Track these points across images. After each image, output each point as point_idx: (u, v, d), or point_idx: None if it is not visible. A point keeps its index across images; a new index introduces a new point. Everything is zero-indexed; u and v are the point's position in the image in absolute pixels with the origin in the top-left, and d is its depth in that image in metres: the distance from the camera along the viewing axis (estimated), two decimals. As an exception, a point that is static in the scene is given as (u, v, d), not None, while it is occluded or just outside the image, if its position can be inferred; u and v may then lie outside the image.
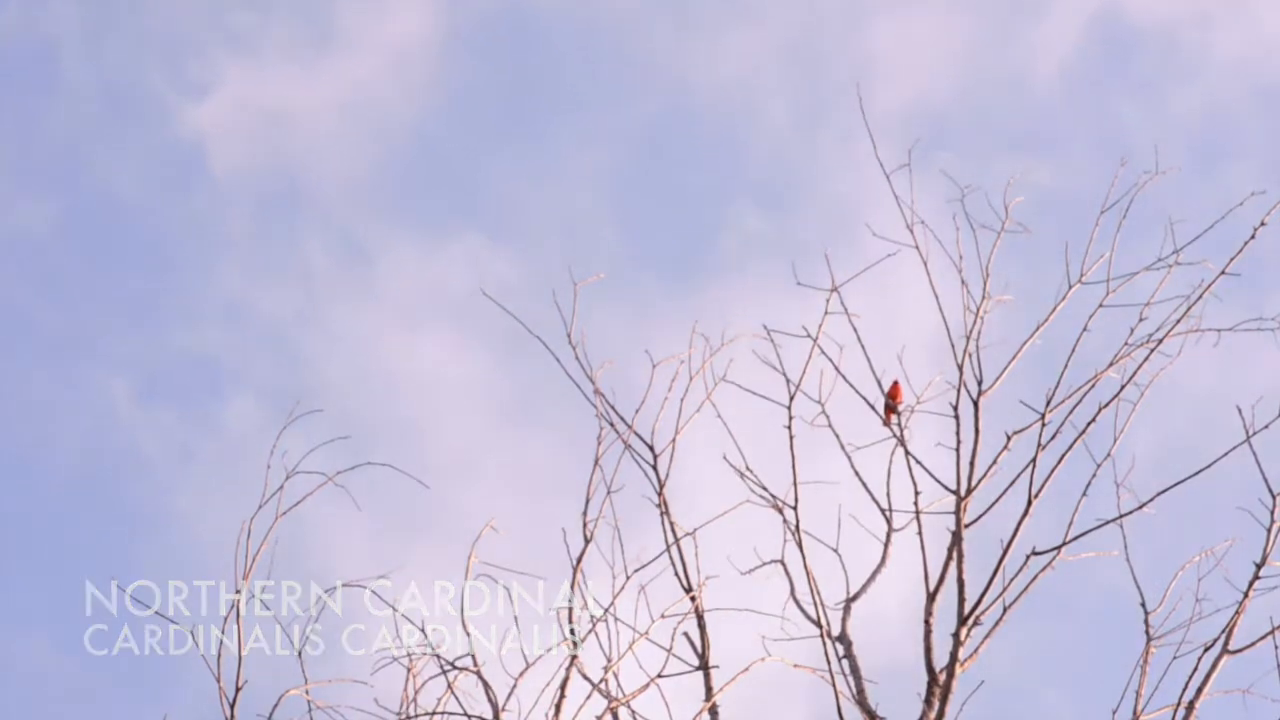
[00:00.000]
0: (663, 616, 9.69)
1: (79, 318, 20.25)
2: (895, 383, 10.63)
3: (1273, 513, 10.00)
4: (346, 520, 9.48)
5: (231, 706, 9.02)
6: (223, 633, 9.03)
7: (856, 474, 10.47)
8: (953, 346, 10.45)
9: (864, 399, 10.60)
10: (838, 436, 10.48)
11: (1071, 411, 10.34)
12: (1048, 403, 10.35)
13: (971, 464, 10.30)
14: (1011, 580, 10.03)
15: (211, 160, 20.52)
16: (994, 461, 10.36)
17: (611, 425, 10.03)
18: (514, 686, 9.37)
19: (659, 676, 9.58)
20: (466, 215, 20.33)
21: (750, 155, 20.41)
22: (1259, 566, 9.97)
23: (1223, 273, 10.53)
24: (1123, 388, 10.36)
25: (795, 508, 10.21)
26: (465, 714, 9.41)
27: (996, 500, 10.22)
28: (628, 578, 9.66)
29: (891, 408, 10.64)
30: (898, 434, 10.57)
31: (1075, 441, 10.28)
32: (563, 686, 9.35)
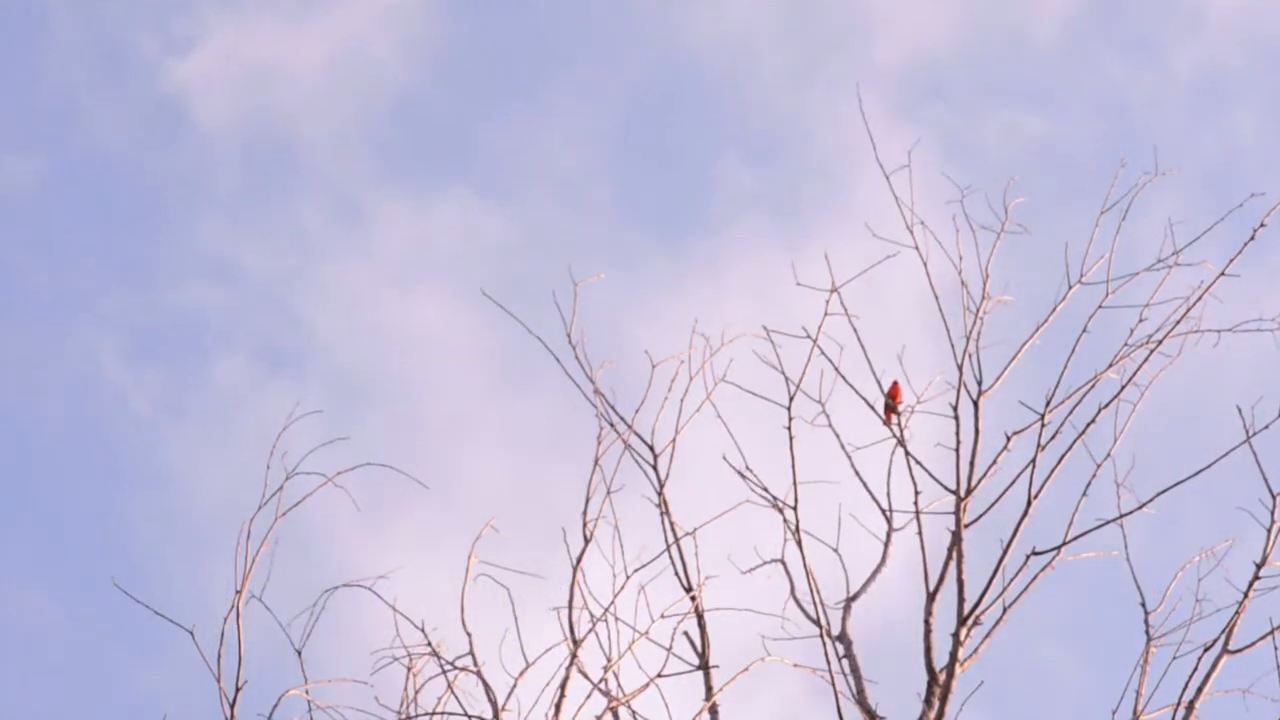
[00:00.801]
0: (663, 616, 9.69)
1: (66, 275, 20.05)
2: (895, 383, 10.63)
3: (1273, 513, 10.00)
4: (347, 520, 9.48)
5: (231, 706, 9.02)
6: (223, 633, 9.02)
7: (856, 474, 10.48)
8: (952, 347, 10.46)
9: (864, 399, 10.61)
10: (838, 436, 10.49)
11: (1071, 412, 10.35)
12: (1047, 403, 10.35)
13: (971, 464, 10.31)
14: (1011, 580, 10.04)
15: (198, 116, 20.28)
16: (994, 462, 10.36)
17: (611, 425, 10.04)
18: (514, 686, 9.37)
19: (659, 676, 9.58)
20: (457, 172, 20.13)
21: (744, 111, 20.26)
22: (1259, 566, 9.97)
23: (1222, 274, 10.54)
24: (1123, 388, 10.37)
25: (795, 508, 10.21)
26: (465, 714, 9.41)
27: (996, 500, 10.23)
28: (628, 578, 9.66)
29: (891, 408, 10.64)
30: (898, 434, 10.57)
31: (1075, 442, 10.29)
32: (563, 686, 9.35)
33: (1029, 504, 10.14)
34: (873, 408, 10.62)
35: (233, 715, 9.01)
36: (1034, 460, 10.22)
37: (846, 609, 10.41)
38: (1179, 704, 9.83)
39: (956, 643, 9.92)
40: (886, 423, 10.62)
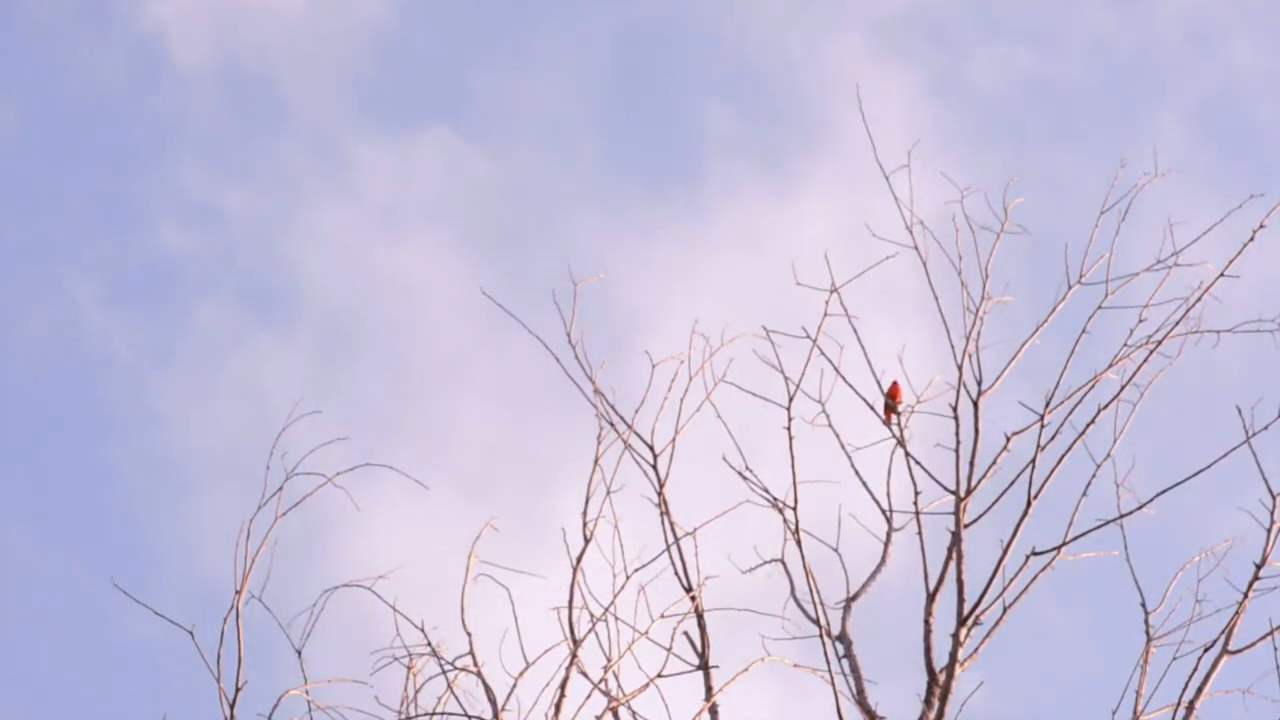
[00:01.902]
0: (663, 616, 9.69)
1: (44, 220, 19.81)
2: (895, 383, 10.63)
3: (1273, 513, 10.01)
4: (347, 518, 9.48)
5: (231, 706, 9.01)
6: (223, 632, 9.02)
7: (856, 474, 10.48)
8: (952, 347, 10.47)
9: (864, 399, 10.61)
10: (838, 436, 10.49)
11: (1071, 412, 10.36)
12: (1047, 403, 10.36)
13: (971, 464, 10.31)
14: (1011, 580, 10.04)
15: (177, 56, 19.97)
16: (993, 462, 10.37)
17: (611, 425, 10.03)
18: (514, 686, 9.37)
19: (659, 676, 9.58)
20: (440, 115, 19.88)
21: (731, 55, 20.07)
22: (1259, 567, 9.98)
23: (1221, 274, 10.55)
24: (1122, 388, 10.37)
25: (795, 508, 10.21)
26: (465, 714, 9.40)
27: (996, 500, 10.23)
28: (628, 578, 9.66)
29: (891, 407, 10.63)
30: (898, 434, 10.57)
31: (1075, 442, 10.29)
32: (563, 686, 9.34)
33: (1029, 504, 10.14)
34: (873, 408, 10.63)
35: (232, 715, 9.00)
36: (1034, 460, 10.23)
37: (846, 609, 10.41)
38: (1179, 704, 9.83)
39: (956, 643, 9.92)
40: (886, 422, 10.62)
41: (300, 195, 19.57)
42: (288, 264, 19.01)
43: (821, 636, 9.98)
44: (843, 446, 10.52)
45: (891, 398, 10.62)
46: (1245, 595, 9.97)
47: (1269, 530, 9.97)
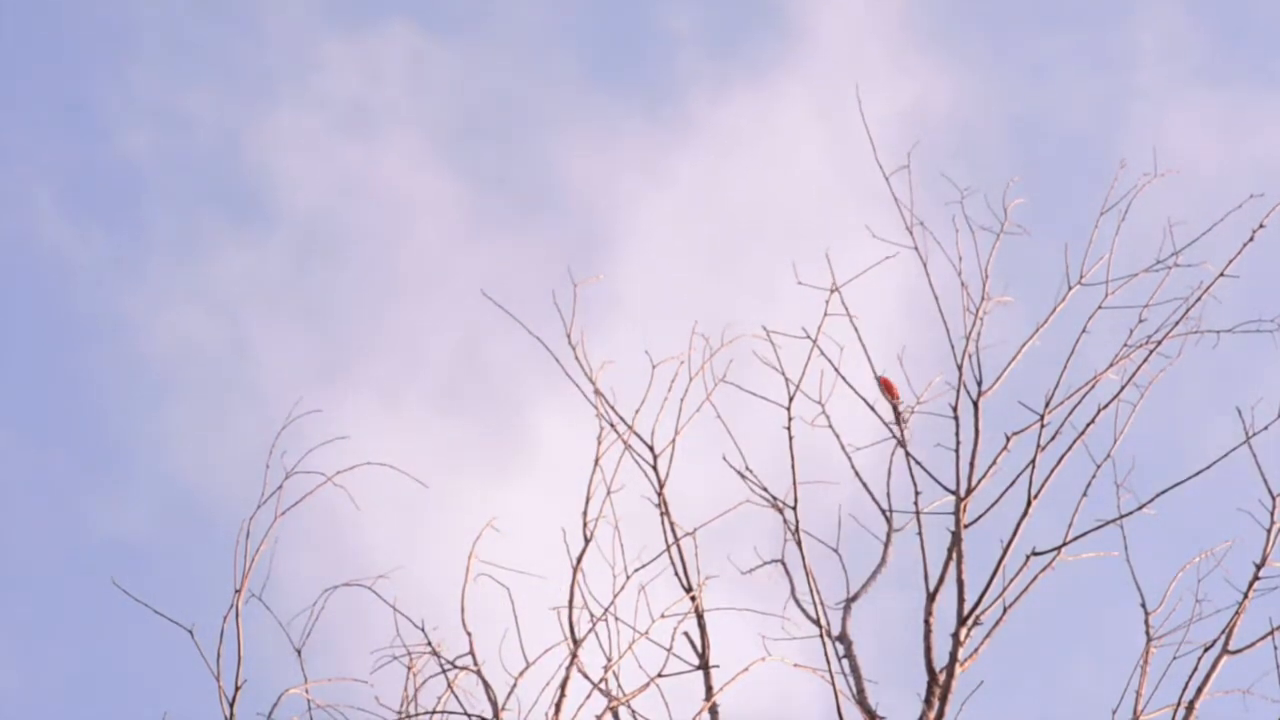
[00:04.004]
0: (663, 616, 9.68)
1: None
2: (885, 378, 10.60)
3: (1273, 513, 10.01)
4: (347, 518, 9.48)
5: (231, 706, 9.01)
6: (222, 631, 9.02)
7: (856, 474, 10.48)
8: (952, 348, 10.47)
9: (864, 400, 10.61)
10: (838, 436, 10.49)
11: (1071, 412, 10.36)
12: (1047, 404, 10.36)
13: (971, 465, 10.31)
14: (1011, 580, 10.03)
15: None
16: (993, 462, 10.36)
17: (611, 425, 10.03)
18: (514, 686, 9.37)
19: (659, 676, 9.57)
20: (401, 10, 19.53)
21: None
22: (1259, 567, 9.98)
23: (1221, 274, 10.55)
24: (1122, 389, 10.37)
25: (795, 508, 10.21)
26: (465, 713, 9.40)
27: (996, 501, 10.23)
28: (628, 578, 9.66)
29: (890, 403, 10.62)
30: (898, 434, 10.57)
31: (1075, 442, 10.29)
32: (563, 686, 9.34)
33: (1029, 504, 10.14)
34: (873, 408, 10.62)
35: (232, 714, 9.00)
36: (1034, 460, 10.22)
37: (846, 609, 10.41)
38: (1179, 704, 9.83)
39: (956, 643, 9.92)
40: (897, 420, 10.59)
41: (264, 96, 19.23)
42: (254, 167, 18.68)
43: (821, 636, 9.97)
44: (843, 447, 10.53)
45: (887, 391, 10.61)
46: (1245, 595, 9.97)
47: (1269, 530, 9.98)
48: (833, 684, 9.80)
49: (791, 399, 10.27)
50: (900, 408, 10.63)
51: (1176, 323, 10.47)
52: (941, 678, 9.88)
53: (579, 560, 9.67)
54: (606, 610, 9.58)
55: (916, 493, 10.38)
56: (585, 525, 9.74)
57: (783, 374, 10.31)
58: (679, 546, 9.96)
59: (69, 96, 19.39)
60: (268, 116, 18.86)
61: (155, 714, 8.94)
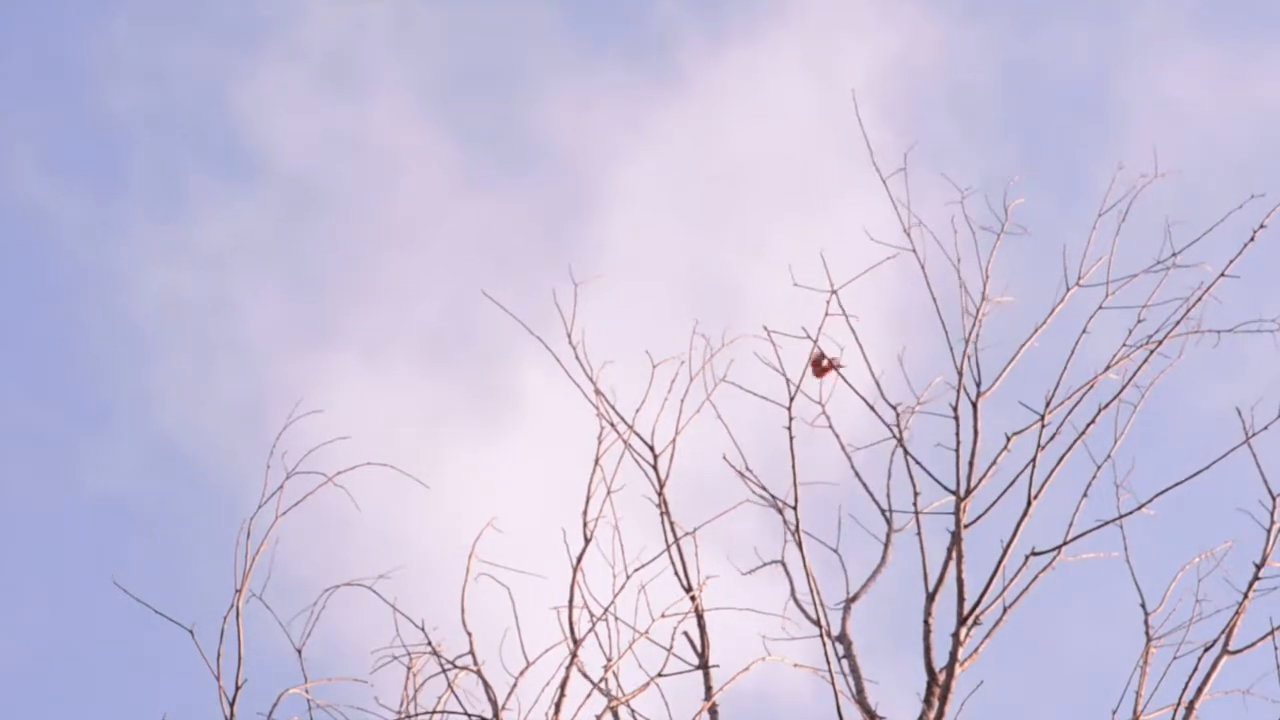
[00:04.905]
0: (663, 616, 9.68)
1: None
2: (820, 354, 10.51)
3: (1272, 514, 10.00)
4: (347, 517, 9.48)
5: (231, 706, 9.01)
6: (222, 631, 9.02)
7: (856, 474, 10.49)
8: (951, 348, 10.47)
9: (864, 400, 10.61)
10: (837, 436, 10.50)
11: (1071, 412, 10.35)
12: (1047, 404, 10.35)
13: (971, 465, 10.30)
14: (1011, 580, 10.03)
15: None
16: (993, 462, 10.36)
17: (611, 425, 10.03)
18: (514, 686, 9.36)
19: (659, 676, 9.57)
20: None
21: None
22: (1259, 567, 9.97)
23: (1222, 274, 10.55)
24: (1122, 389, 10.37)
25: (795, 508, 10.21)
26: (465, 713, 9.40)
27: (996, 501, 10.22)
28: (628, 578, 9.66)
29: (821, 369, 10.52)
30: (898, 435, 10.55)
31: (1075, 442, 10.28)
32: (563, 686, 9.34)
33: (1029, 504, 10.14)
34: (872, 408, 10.63)
35: (232, 714, 9.00)
36: (1034, 460, 10.22)
37: (846, 609, 10.42)
38: (1179, 704, 9.83)
39: (956, 643, 9.92)
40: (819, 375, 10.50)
41: (250, 52, 18.99)
42: (240, 123, 18.50)
43: (821, 636, 9.97)
44: (842, 447, 10.53)
45: (815, 365, 10.51)
46: (1245, 595, 9.97)
47: (1269, 530, 9.98)
48: (833, 684, 9.80)
49: (792, 399, 10.28)
50: (834, 366, 10.51)
51: (1176, 323, 10.48)
52: (941, 678, 9.88)
53: (579, 560, 9.67)
54: (606, 610, 9.58)
55: (916, 493, 10.38)
56: (585, 525, 9.75)
57: (783, 374, 10.31)
58: (679, 546, 9.97)
59: (50, 52, 19.21)
60: (253, 73, 18.67)
61: (155, 714, 8.95)
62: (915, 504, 10.34)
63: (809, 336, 10.35)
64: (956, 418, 10.35)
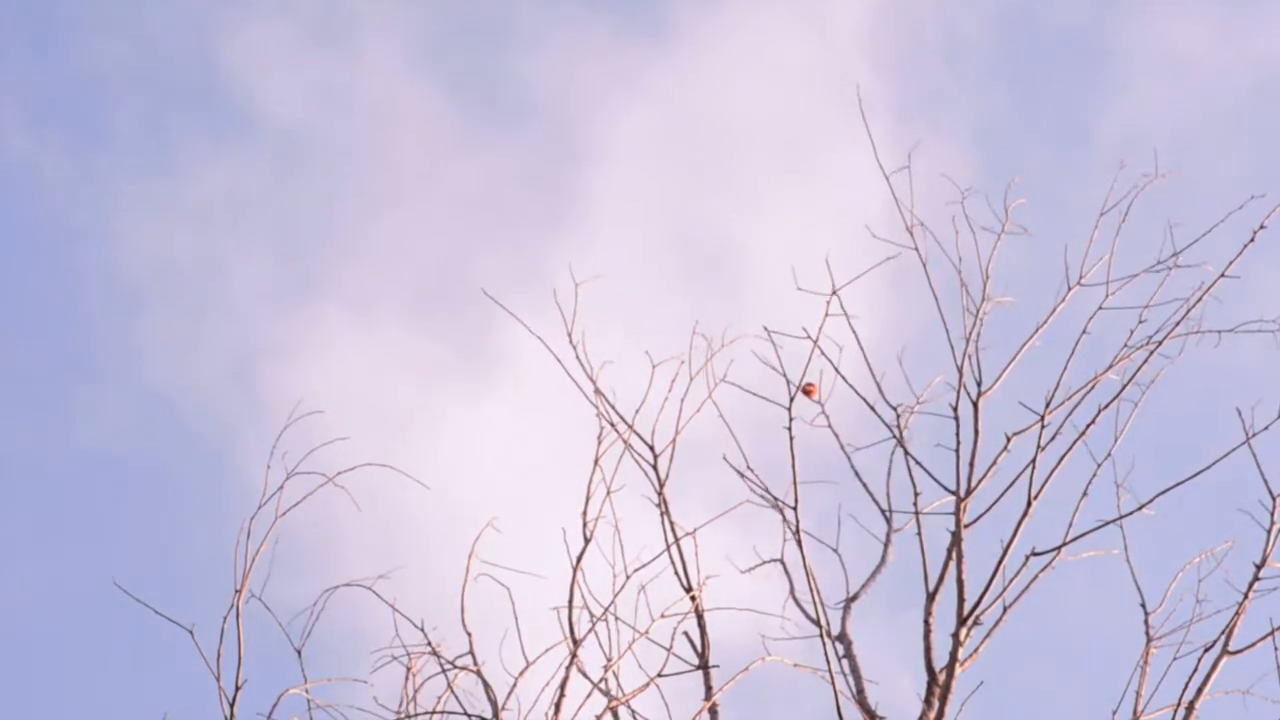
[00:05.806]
0: (663, 616, 9.68)
1: None
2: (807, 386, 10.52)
3: (1272, 514, 10.00)
4: (347, 517, 9.47)
5: (231, 706, 9.01)
6: (222, 631, 9.02)
7: (856, 474, 10.49)
8: (951, 348, 10.47)
9: (864, 400, 10.61)
10: (837, 437, 10.50)
11: (1071, 413, 10.35)
12: (1047, 404, 10.35)
13: (971, 465, 10.31)
14: (1011, 580, 10.03)
15: None
16: (994, 462, 10.36)
17: (612, 425, 10.03)
18: (514, 686, 9.37)
19: (659, 676, 9.57)
20: None
21: None
22: (1259, 568, 9.97)
23: (1222, 275, 10.55)
24: (1123, 389, 10.36)
25: (795, 508, 10.20)
26: (465, 713, 9.41)
27: (996, 501, 10.22)
28: (628, 578, 9.66)
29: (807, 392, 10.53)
30: (898, 435, 10.55)
31: (1075, 443, 10.28)
32: (563, 686, 9.34)
33: (1029, 504, 10.13)
34: (872, 408, 10.63)
35: (232, 714, 9.00)
36: (1034, 460, 10.22)
37: (846, 609, 10.42)
38: (1179, 704, 9.83)
39: (956, 643, 9.92)
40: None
41: (237, 5, 18.90)
42: (228, 78, 18.38)
43: (821, 636, 9.97)
44: (842, 447, 10.53)
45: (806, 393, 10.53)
46: (1245, 595, 9.97)
47: (1269, 530, 9.97)
48: (833, 684, 9.79)
49: (792, 399, 10.27)
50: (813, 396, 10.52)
51: (1177, 323, 10.48)
52: (941, 678, 9.88)
53: (579, 560, 9.67)
54: (606, 610, 9.58)
55: (916, 493, 10.38)
56: (585, 525, 9.75)
57: (783, 375, 10.31)
58: (679, 546, 9.97)
59: (33, 5, 19.13)
60: (242, 27, 18.58)
61: (155, 714, 8.95)
62: (915, 504, 10.35)
63: (809, 337, 10.35)
64: (956, 418, 10.35)
